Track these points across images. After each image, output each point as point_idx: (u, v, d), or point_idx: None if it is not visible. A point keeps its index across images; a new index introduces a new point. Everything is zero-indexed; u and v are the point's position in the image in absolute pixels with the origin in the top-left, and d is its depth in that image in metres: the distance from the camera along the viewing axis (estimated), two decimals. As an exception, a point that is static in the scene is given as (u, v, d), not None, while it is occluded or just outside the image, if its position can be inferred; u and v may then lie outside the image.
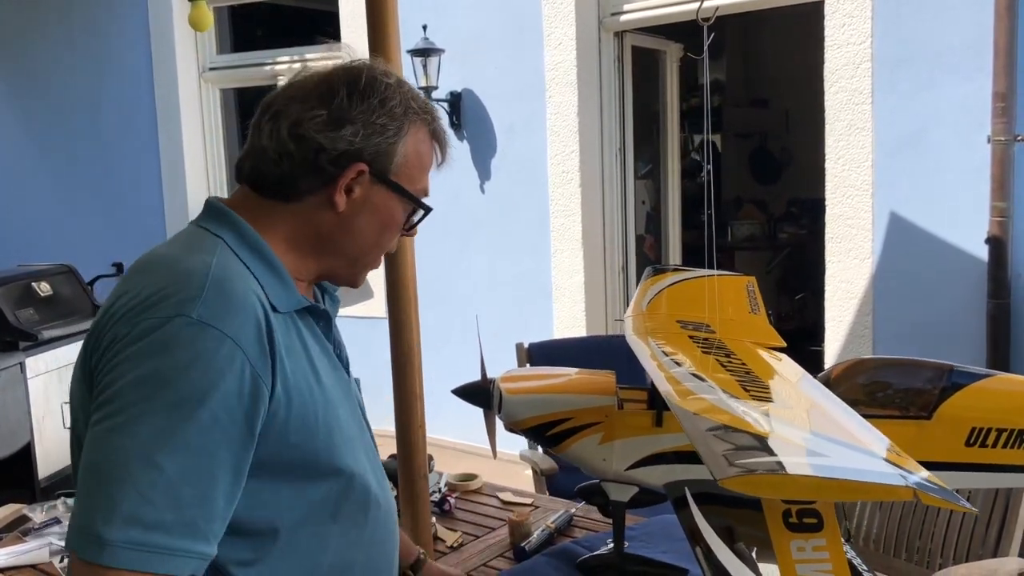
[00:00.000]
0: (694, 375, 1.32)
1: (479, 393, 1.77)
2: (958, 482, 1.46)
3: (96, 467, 0.97)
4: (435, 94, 4.40)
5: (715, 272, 1.99)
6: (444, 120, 1.26)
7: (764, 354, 1.62)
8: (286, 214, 1.18)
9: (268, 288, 1.12)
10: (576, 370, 1.83)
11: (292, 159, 1.15)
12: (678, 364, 1.39)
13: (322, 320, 1.23)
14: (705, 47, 1.73)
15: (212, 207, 1.20)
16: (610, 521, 2.07)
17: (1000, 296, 3.20)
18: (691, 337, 1.66)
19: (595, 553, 1.87)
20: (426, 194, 1.25)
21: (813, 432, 1.10)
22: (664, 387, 1.25)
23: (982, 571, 2.09)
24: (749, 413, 1.12)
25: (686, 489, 1.47)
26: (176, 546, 0.96)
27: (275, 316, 1.10)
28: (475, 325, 1.68)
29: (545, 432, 1.67)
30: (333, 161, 1.15)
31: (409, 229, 1.27)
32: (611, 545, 1.92)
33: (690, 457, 1.63)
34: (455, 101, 4.53)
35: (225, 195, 5.98)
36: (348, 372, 1.31)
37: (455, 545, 2.05)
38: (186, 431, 0.97)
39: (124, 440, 0.96)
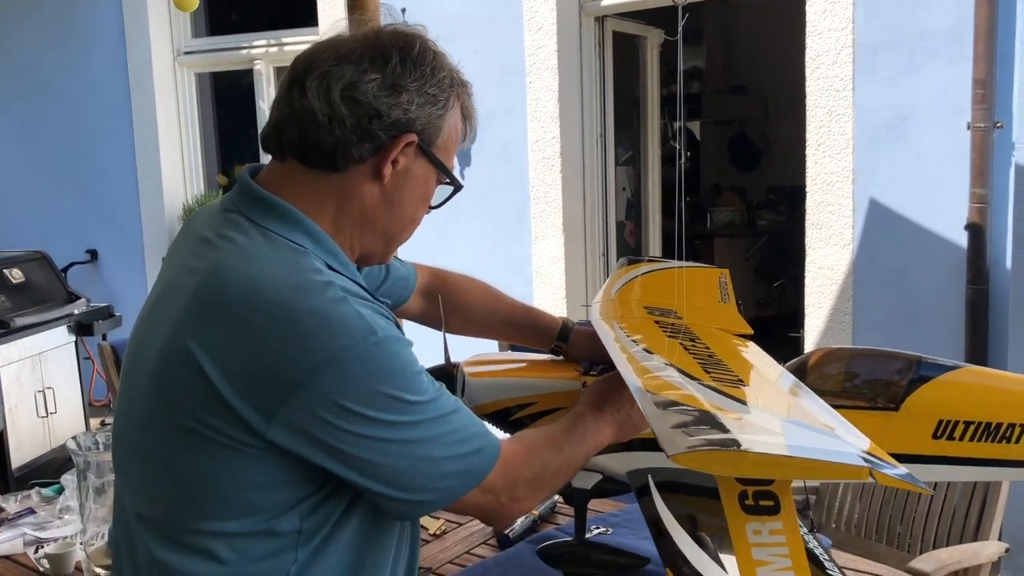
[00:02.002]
0: (654, 357, 1.31)
1: (443, 377, 1.74)
2: (925, 474, 1.46)
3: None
4: (414, 79, 4.35)
5: (685, 264, 1.98)
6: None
7: (731, 340, 1.61)
8: (332, 188, 1.14)
9: (364, 289, 1.14)
10: (544, 356, 1.81)
11: (344, 124, 1.10)
12: (641, 347, 1.38)
13: None
14: (679, 29, 1.71)
15: (267, 201, 1.13)
16: (600, 509, 2.07)
17: (979, 282, 3.22)
18: (657, 322, 1.65)
19: (556, 541, 1.85)
20: (453, 167, 1.24)
21: (772, 413, 1.09)
22: (624, 368, 1.24)
23: (964, 554, 2.11)
24: (706, 392, 1.11)
25: (649, 477, 1.45)
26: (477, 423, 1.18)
27: None
28: (439, 307, 1.66)
29: (508, 417, 1.65)
30: (386, 128, 1.11)
31: (436, 206, 1.25)
32: (604, 531, 1.91)
33: (654, 444, 1.61)
34: (434, 86, 4.49)
35: (201, 180, 5.87)
36: None
37: (437, 533, 2.03)
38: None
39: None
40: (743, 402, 1.10)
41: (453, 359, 1.66)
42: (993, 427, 1.45)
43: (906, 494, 2.36)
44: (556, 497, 2.15)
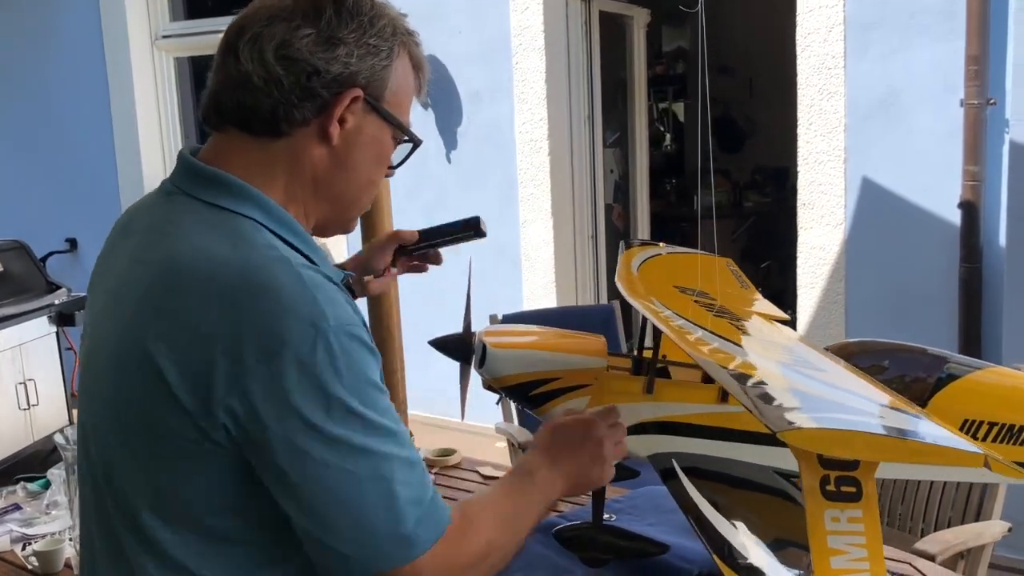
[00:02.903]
0: (720, 336, 1.28)
1: (459, 345, 1.69)
2: (946, 474, 1.45)
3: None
4: (399, 61, 4.29)
5: (693, 251, 1.95)
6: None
7: (777, 327, 1.58)
8: (279, 155, 1.07)
9: (319, 263, 1.05)
10: (561, 330, 1.77)
11: (281, 85, 1.03)
12: (704, 330, 1.34)
13: None
14: (701, 6, 1.67)
15: (211, 176, 1.05)
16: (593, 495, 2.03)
17: (972, 260, 3.20)
18: (696, 302, 1.61)
19: (572, 524, 1.82)
20: (410, 127, 1.15)
21: (868, 397, 1.07)
22: (695, 349, 1.20)
23: (968, 535, 2.09)
24: (795, 374, 1.09)
25: (673, 461, 1.43)
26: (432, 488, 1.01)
27: None
28: (459, 285, 1.60)
29: (529, 392, 1.61)
30: (327, 85, 1.04)
31: (396, 166, 1.18)
32: (608, 518, 1.87)
33: (678, 428, 1.59)
34: (419, 68, 4.42)
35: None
36: None
37: (437, 522, 1.99)
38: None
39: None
40: (837, 386, 1.08)
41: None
42: (1016, 429, 1.44)
43: (892, 484, 2.35)
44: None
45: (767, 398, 0.96)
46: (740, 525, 1.23)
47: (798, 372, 1.13)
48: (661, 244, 2.10)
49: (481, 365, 1.65)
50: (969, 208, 3.18)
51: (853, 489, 0.96)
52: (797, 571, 0.98)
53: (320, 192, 1.10)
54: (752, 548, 1.15)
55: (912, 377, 1.53)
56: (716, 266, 1.90)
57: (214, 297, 0.95)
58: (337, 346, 0.94)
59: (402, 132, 1.13)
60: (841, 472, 0.95)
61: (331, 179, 1.09)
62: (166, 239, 1.02)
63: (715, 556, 1.15)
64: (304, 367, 0.93)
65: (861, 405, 1.01)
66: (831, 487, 0.96)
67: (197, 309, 0.96)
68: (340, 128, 1.06)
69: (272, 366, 0.93)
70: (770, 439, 1.58)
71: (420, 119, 4.42)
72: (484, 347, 1.64)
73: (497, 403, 2.76)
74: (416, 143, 1.15)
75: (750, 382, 1.02)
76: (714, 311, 1.56)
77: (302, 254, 1.03)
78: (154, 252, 1.02)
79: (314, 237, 1.14)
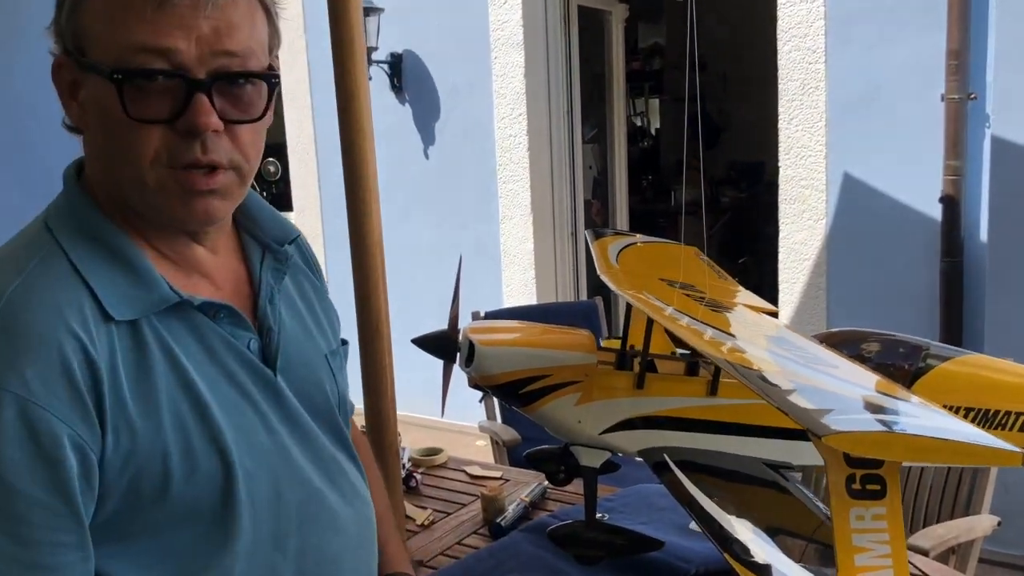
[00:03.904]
0: (733, 337, 1.26)
1: (444, 343, 1.65)
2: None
3: None
4: (375, 55, 4.23)
5: (666, 240, 1.93)
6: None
7: (770, 320, 1.57)
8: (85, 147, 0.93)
9: (106, 293, 0.86)
10: (547, 325, 1.74)
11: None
12: (713, 328, 1.32)
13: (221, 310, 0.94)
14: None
15: (69, 189, 0.94)
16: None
17: (953, 255, 3.21)
18: (687, 295, 1.59)
19: (566, 523, 1.79)
20: (145, 50, 0.84)
21: (900, 397, 1.06)
22: (715, 351, 1.18)
23: (960, 529, 2.08)
24: (821, 374, 1.08)
25: (665, 455, 1.41)
26: None
27: (114, 330, 0.85)
28: (444, 284, 1.56)
29: (519, 389, 1.57)
30: (59, 68, 0.91)
31: (179, 117, 0.85)
32: (601, 517, 1.85)
33: (668, 423, 1.57)
34: (396, 63, 4.37)
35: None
36: (332, 339, 1.10)
37: (425, 523, 1.96)
38: None
39: None
40: (853, 382, 1.07)
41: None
42: (991, 414, 1.46)
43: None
44: (546, 483, 2.08)
45: (799, 400, 0.94)
46: (741, 519, 1.21)
47: (814, 370, 1.11)
48: (637, 235, 2.09)
49: (468, 363, 1.61)
50: (950, 203, 3.19)
51: (878, 487, 0.95)
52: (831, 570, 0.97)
53: (105, 176, 0.92)
54: (756, 544, 1.14)
55: (894, 365, 1.54)
56: (693, 256, 1.88)
57: None
58: None
59: (108, 72, 0.84)
60: (867, 470, 0.94)
61: (102, 160, 0.91)
62: None
63: (725, 554, 1.13)
64: None
65: (895, 406, 1.00)
66: (856, 485, 0.95)
67: None
68: (77, 108, 0.90)
69: None
70: (759, 431, 1.59)
71: (398, 115, 4.37)
72: (471, 344, 1.60)
73: (480, 401, 2.73)
74: (128, 76, 0.84)
75: (779, 384, 1.00)
76: (704, 303, 1.53)
77: (86, 284, 0.86)
78: None
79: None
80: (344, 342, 1.14)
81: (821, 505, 1.38)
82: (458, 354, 1.63)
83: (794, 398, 0.97)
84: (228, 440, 0.90)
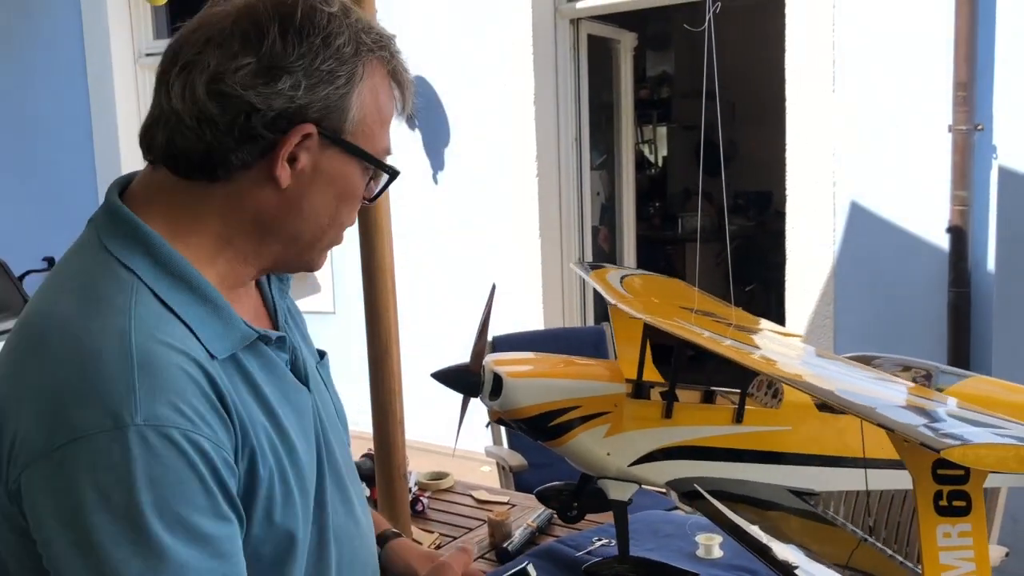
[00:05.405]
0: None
1: (464, 378, 1.61)
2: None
3: None
4: (386, 81, 4.27)
5: (644, 272, 1.94)
6: (404, 55, 1.00)
7: (800, 342, 1.59)
8: (214, 201, 0.92)
9: (203, 332, 0.88)
10: (567, 356, 1.74)
11: (215, 126, 0.88)
12: (762, 353, 1.34)
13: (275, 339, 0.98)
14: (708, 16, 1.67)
15: (115, 213, 0.92)
16: (595, 519, 2.00)
17: (961, 285, 3.21)
18: (716, 322, 1.60)
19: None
20: (388, 153, 0.99)
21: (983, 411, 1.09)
22: (790, 378, 1.20)
23: (968, 561, 2.07)
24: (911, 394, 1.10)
25: (695, 485, 1.41)
26: None
27: (219, 367, 0.88)
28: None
29: (549, 422, 1.55)
30: (270, 125, 0.89)
31: (372, 199, 1.02)
32: (607, 543, 1.84)
33: (695, 453, 1.56)
34: (406, 89, 4.41)
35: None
36: (315, 354, 1.13)
37: (432, 547, 1.95)
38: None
39: None
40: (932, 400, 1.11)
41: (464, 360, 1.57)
42: None
43: (903, 496, 2.33)
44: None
45: (893, 414, 0.97)
46: (788, 546, 1.22)
47: (872, 383, 1.13)
48: (624, 267, 2.11)
49: (494, 396, 1.58)
50: (957, 233, 3.19)
51: (963, 503, 0.96)
52: None
53: (267, 235, 0.96)
54: (809, 566, 1.15)
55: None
56: (689, 286, 1.90)
57: (37, 361, 0.84)
58: (138, 450, 0.79)
59: (372, 163, 0.97)
60: (953, 487, 0.95)
61: (282, 222, 0.95)
62: (39, 291, 0.93)
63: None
64: (95, 468, 0.78)
65: (980, 419, 1.03)
66: (943, 502, 0.96)
67: (25, 373, 0.85)
68: (291, 169, 0.92)
69: (54, 458, 0.79)
70: (790, 458, 1.58)
71: (406, 140, 4.40)
72: (497, 377, 1.56)
73: (487, 426, 2.73)
74: (392, 174, 1.00)
75: (857, 400, 1.03)
76: (732, 327, 1.55)
77: (183, 322, 0.88)
78: (28, 305, 0.93)
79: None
80: (322, 353, 1.16)
81: (851, 527, 1.38)
82: (480, 387, 1.60)
83: (890, 412, 0.99)
84: (304, 464, 0.96)
